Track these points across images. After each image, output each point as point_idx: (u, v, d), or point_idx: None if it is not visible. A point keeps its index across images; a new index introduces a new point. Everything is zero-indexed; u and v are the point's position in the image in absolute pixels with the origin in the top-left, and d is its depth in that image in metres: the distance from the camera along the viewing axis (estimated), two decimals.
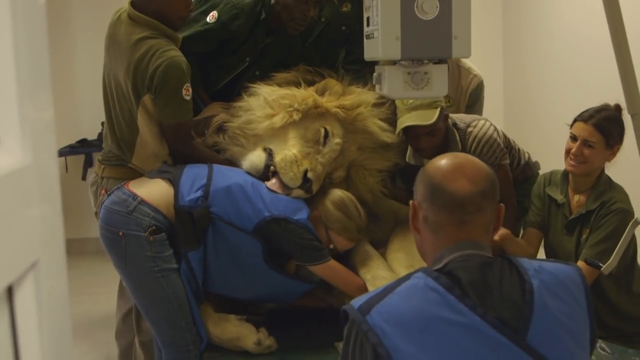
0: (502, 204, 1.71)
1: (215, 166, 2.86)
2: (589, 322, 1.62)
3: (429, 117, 3.01)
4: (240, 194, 2.72)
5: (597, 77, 5.00)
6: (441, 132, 3.14)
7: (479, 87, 3.88)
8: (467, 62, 3.90)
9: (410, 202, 1.73)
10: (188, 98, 2.85)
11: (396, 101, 3.11)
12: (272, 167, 2.83)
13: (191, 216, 2.67)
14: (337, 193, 2.90)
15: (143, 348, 3.34)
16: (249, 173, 2.89)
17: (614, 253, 2.80)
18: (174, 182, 2.74)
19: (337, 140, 2.93)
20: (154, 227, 2.65)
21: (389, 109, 3.13)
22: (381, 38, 2.15)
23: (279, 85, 3.05)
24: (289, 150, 2.84)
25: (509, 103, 6.94)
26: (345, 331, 1.59)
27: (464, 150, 3.20)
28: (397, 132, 3.13)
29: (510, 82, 6.95)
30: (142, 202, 2.68)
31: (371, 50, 2.27)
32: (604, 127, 2.99)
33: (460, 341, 1.48)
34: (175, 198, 2.70)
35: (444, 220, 1.64)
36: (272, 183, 2.82)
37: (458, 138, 3.23)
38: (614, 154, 3.06)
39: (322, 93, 3.00)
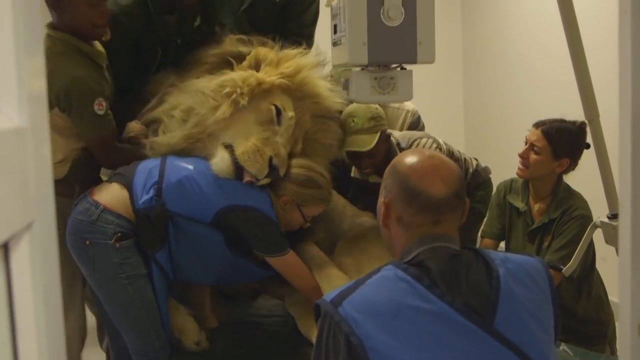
0: (467, 199, 1.77)
1: (169, 159, 2.79)
2: (553, 310, 1.69)
3: (369, 142, 3.04)
4: (192, 186, 2.66)
5: (558, 86, 5.14)
6: (382, 153, 3.16)
7: (415, 118, 3.88)
8: None
9: (382, 200, 1.77)
10: (102, 112, 2.78)
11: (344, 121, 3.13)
12: (238, 162, 2.71)
13: (149, 218, 2.65)
14: (298, 171, 2.81)
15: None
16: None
17: (575, 255, 2.89)
18: (128, 186, 2.71)
19: (290, 114, 2.80)
20: (119, 234, 2.64)
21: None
22: (349, 44, 2.21)
23: (209, 68, 2.91)
24: (247, 140, 2.70)
25: (469, 112, 7.08)
26: (319, 324, 1.63)
27: None
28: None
29: (469, 93, 7.09)
30: (105, 209, 2.65)
31: (339, 56, 2.33)
32: (551, 135, 3.08)
33: (430, 328, 1.53)
34: (131, 202, 2.68)
35: (419, 221, 1.69)
36: (245, 178, 2.71)
37: None
38: (562, 167, 3.14)
39: (257, 66, 2.86)
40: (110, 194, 2.71)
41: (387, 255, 2.80)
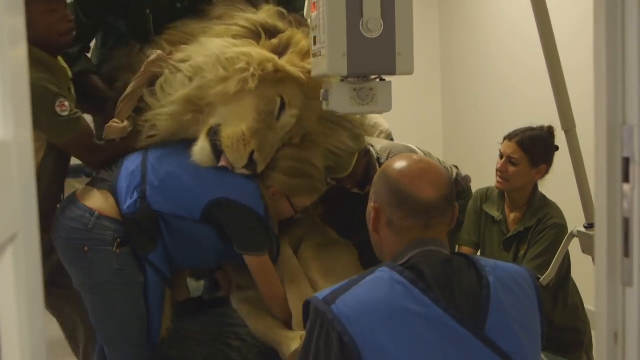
0: (456, 204, 1.79)
1: (150, 155, 2.69)
2: (539, 318, 1.71)
3: (346, 168, 3.00)
4: (176, 183, 2.60)
5: (534, 97, 5.19)
6: (362, 169, 3.12)
7: (389, 138, 3.80)
8: (375, 117, 3.91)
9: (372, 205, 1.78)
10: (65, 113, 2.64)
11: None
12: (219, 145, 2.58)
13: (136, 222, 2.58)
14: (286, 163, 2.69)
15: None
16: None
17: (552, 265, 2.92)
18: (112, 191, 2.64)
19: (293, 111, 2.65)
20: (119, 240, 2.58)
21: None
22: (328, 55, 2.22)
23: (237, 32, 2.74)
24: (237, 126, 2.55)
25: (447, 122, 7.12)
26: (309, 322, 1.62)
27: None
28: None
29: (447, 103, 7.13)
30: (101, 216, 2.59)
31: (319, 67, 2.34)
32: (526, 145, 3.12)
33: (423, 332, 1.55)
34: (118, 207, 2.62)
35: (410, 225, 1.70)
36: (221, 162, 2.59)
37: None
38: (540, 173, 3.18)
39: (284, 49, 2.69)
40: (102, 200, 2.65)
41: (356, 266, 2.80)
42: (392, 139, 3.81)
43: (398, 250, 1.71)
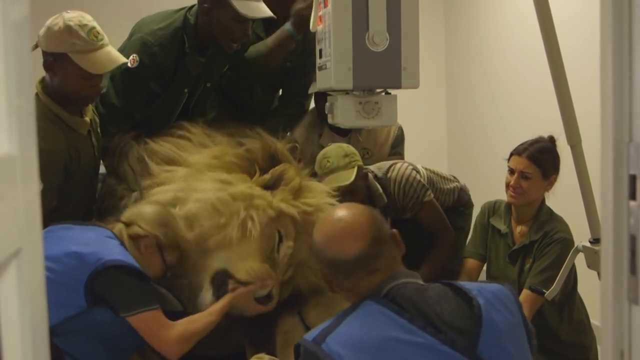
0: (394, 231, 1.83)
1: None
2: (525, 331, 1.74)
3: (347, 177, 3.06)
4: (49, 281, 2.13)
5: (538, 112, 5.18)
6: (363, 191, 3.19)
7: (400, 131, 3.87)
8: None
9: (321, 274, 1.86)
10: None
11: (315, 166, 3.15)
12: (230, 286, 2.54)
13: None
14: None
15: None
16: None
17: (557, 279, 2.90)
18: None
19: (290, 243, 2.73)
20: None
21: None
22: (334, 69, 2.21)
23: (232, 160, 2.81)
24: (253, 262, 2.57)
25: (452, 136, 7.11)
26: None
27: (389, 197, 3.28)
28: None
29: (452, 117, 7.13)
30: None
31: (324, 81, 2.34)
32: (538, 158, 3.12)
33: (415, 359, 1.56)
34: None
35: (355, 280, 1.75)
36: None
37: (381, 190, 3.28)
38: (551, 184, 3.19)
39: (276, 182, 2.79)
40: None
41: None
42: (402, 131, 3.83)
43: (370, 290, 1.73)
